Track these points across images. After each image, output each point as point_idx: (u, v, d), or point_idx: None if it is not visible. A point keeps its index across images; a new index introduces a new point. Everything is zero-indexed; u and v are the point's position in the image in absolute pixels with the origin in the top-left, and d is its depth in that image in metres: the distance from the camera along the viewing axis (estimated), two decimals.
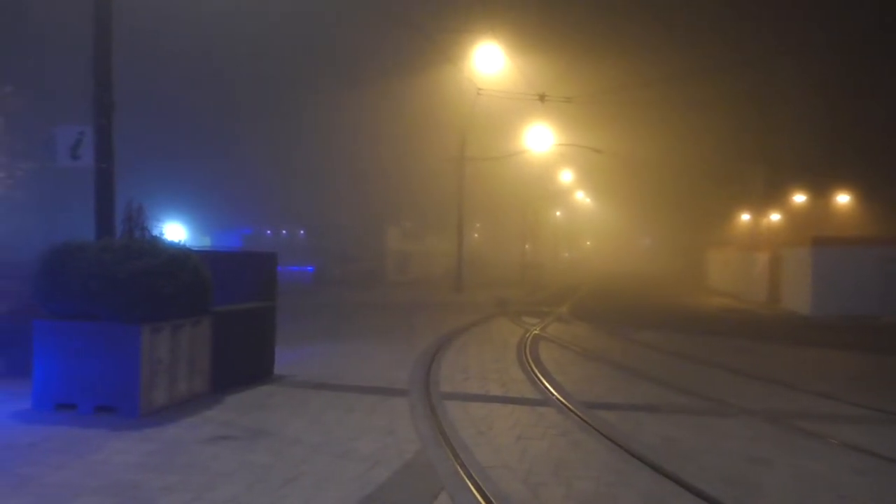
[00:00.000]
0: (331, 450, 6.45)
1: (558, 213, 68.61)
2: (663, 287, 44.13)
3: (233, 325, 9.07)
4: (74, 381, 7.55)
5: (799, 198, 42.13)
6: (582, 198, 77.52)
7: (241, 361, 9.26)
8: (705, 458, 6.57)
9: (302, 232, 54.19)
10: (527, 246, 46.12)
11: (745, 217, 48.04)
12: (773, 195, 43.46)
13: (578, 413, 8.14)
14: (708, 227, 53.17)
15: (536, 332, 16.48)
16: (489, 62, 28.19)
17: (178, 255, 8.03)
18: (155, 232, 8.55)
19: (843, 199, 40.65)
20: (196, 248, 8.93)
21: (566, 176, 58.85)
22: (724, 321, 22.56)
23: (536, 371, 10.98)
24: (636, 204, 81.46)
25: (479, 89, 27.46)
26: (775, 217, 44.41)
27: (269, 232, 55.85)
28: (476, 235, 59.02)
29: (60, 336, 7.68)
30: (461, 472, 5.87)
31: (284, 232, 56.61)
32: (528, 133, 38.94)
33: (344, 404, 8.32)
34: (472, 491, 5.46)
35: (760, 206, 45.12)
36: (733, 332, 18.84)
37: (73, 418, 7.26)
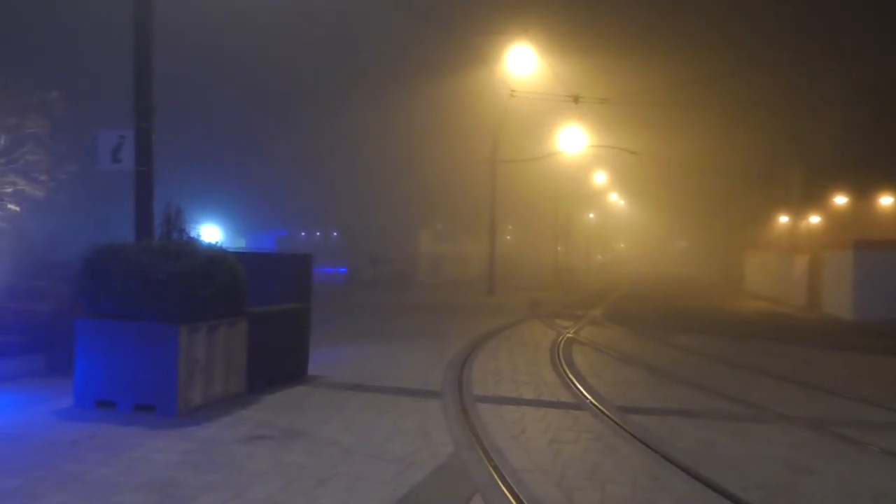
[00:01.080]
0: (365, 451, 6.48)
1: (591, 216, 68.12)
2: (699, 290, 43.51)
3: (268, 326, 9.17)
4: (115, 380, 7.70)
5: (840, 199, 41.19)
6: (616, 200, 76.85)
7: (276, 362, 9.36)
8: (744, 465, 6.45)
9: (335, 233, 54.64)
10: (559, 248, 45.86)
11: (784, 219, 47.12)
12: (812, 197, 42.60)
13: (613, 417, 8.06)
14: (745, 230, 52.26)
15: (570, 335, 16.37)
16: (522, 64, 28.08)
17: (215, 257, 8.14)
18: (192, 234, 8.71)
19: (886, 200, 39.63)
20: (232, 250, 9.06)
21: (600, 178, 58.37)
22: (762, 325, 22.16)
23: (570, 374, 10.90)
24: (671, 206, 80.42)
25: (513, 91, 27.39)
26: (815, 219, 43.49)
27: (303, 233, 56.41)
28: (508, 237, 58.88)
29: (102, 335, 7.85)
30: (494, 475, 5.85)
31: (318, 233, 57.14)
32: (562, 135, 38.70)
33: (378, 406, 8.36)
34: (505, 494, 5.43)
35: (799, 208, 44.23)
36: (772, 336, 18.48)
37: (113, 416, 7.41)
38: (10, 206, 14.18)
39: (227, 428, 7.12)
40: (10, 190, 14.09)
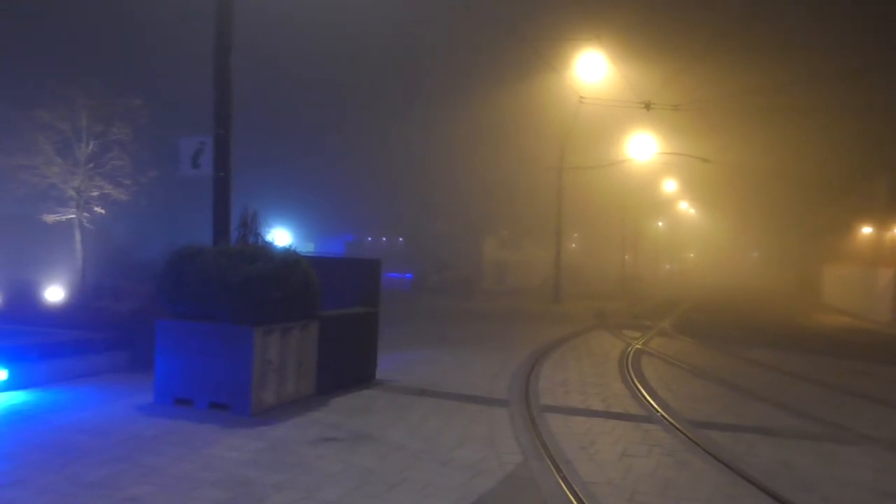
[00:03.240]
0: (433, 457, 6.49)
1: (660, 224, 66.65)
2: (774, 302, 41.94)
3: (338, 330, 9.31)
4: (192, 378, 7.96)
5: None
6: (686, 208, 74.96)
7: (345, 365, 9.49)
8: (828, 488, 6.16)
9: (401, 239, 55.12)
10: (627, 257, 45.02)
11: (867, 230, 44.98)
12: None
13: (686, 432, 7.83)
14: (823, 241, 50.13)
15: (638, 345, 16.03)
16: (592, 70, 27.76)
17: (288, 261, 8.32)
18: (267, 238, 8.93)
19: None
20: (304, 254, 9.24)
21: (670, 185, 57.08)
22: (842, 340, 21.17)
23: (640, 386, 10.67)
24: (744, 215, 77.87)
25: (582, 97, 27.10)
26: None
27: (370, 238, 57.13)
28: (574, 245, 58.18)
29: (180, 335, 8.12)
30: (564, 487, 5.77)
31: (384, 239, 57.77)
32: (631, 141, 38.05)
33: (444, 412, 8.37)
34: None
35: (884, 219, 42.14)
36: (854, 352, 17.63)
37: (190, 413, 7.65)
38: (96, 208, 14.89)
39: (297, 429, 7.25)
40: (96, 193, 14.79)
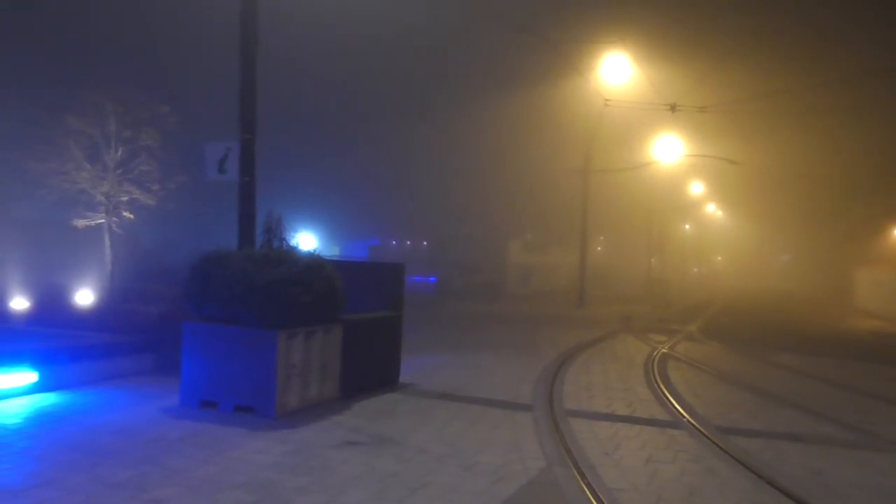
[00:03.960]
0: (456, 461, 6.47)
1: (687, 227, 65.94)
2: (804, 306, 41.26)
3: (362, 334, 9.34)
4: (217, 381, 8.03)
5: None
6: (713, 211, 74.09)
7: (369, 369, 9.52)
8: (857, 496, 6.04)
9: (425, 243, 55.18)
10: (653, 260, 44.59)
11: None
12: None
13: (712, 438, 7.72)
14: (855, 243, 49.18)
15: (664, 350, 15.85)
16: (617, 72, 27.56)
17: (313, 265, 8.37)
18: (291, 242, 8.99)
19: None
20: (329, 258, 9.28)
21: (697, 188, 56.46)
22: (876, 346, 20.75)
23: (666, 391, 10.54)
24: (773, 217, 76.63)
25: (607, 100, 26.92)
26: None
27: (394, 242, 57.28)
28: (599, 249, 57.76)
29: (206, 338, 8.20)
30: (588, 493, 5.71)
31: (408, 242, 57.86)
32: (657, 144, 37.70)
33: (468, 416, 8.34)
34: None
35: None
36: (888, 358, 17.27)
37: (215, 416, 7.71)
38: (125, 213, 15.11)
39: (321, 432, 7.28)
40: (125, 198, 15.01)
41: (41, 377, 8.50)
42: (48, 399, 8.23)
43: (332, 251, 42.05)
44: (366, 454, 6.57)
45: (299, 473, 5.91)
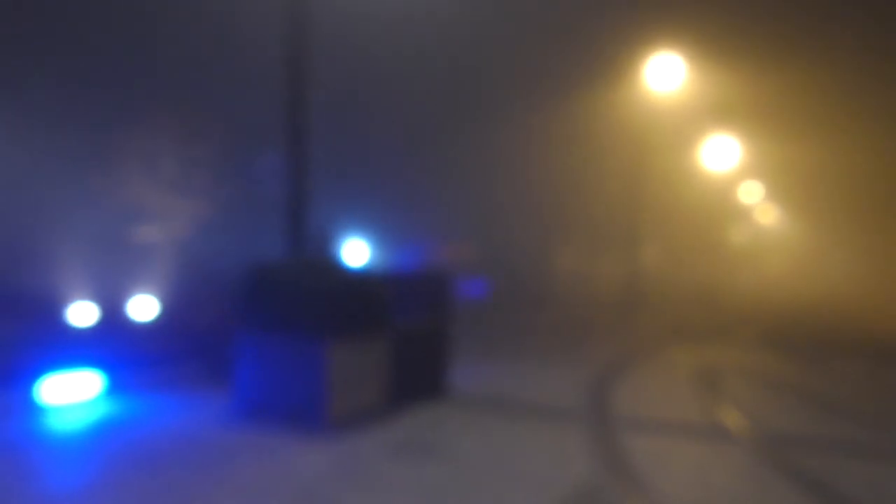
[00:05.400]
0: (505, 471, 6.44)
1: (744, 231, 64.37)
2: (873, 310, 39.76)
3: (410, 342, 9.37)
4: (267, 389, 8.17)
5: None
6: (771, 213, 72.20)
7: (417, 378, 9.54)
8: None
9: (475, 248, 55.13)
10: (707, 266, 43.65)
11: None
12: None
13: (768, 450, 7.50)
14: None
15: (718, 359, 15.48)
16: (669, 74, 27.18)
17: (362, 274, 8.46)
18: (340, 250, 9.11)
19: None
20: (377, 267, 9.36)
21: (754, 190, 55.14)
22: None
23: (720, 401, 10.29)
24: (839, 219, 74.12)
25: (658, 102, 26.52)
26: None
27: (442, 247, 57.40)
28: (651, 255, 56.85)
29: (256, 347, 8.36)
30: None
31: (457, 248, 57.89)
32: (711, 146, 36.98)
33: (517, 425, 8.29)
34: None
35: None
36: None
37: (264, 423, 7.85)
38: (180, 224, 15.55)
39: (369, 441, 7.33)
40: (180, 210, 15.45)
41: (103, 383, 8.82)
42: (109, 404, 8.51)
43: (382, 257, 42.37)
44: (414, 464, 6.59)
45: (348, 482, 5.96)
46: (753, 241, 72.37)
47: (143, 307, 14.57)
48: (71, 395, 8.47)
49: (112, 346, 10.27)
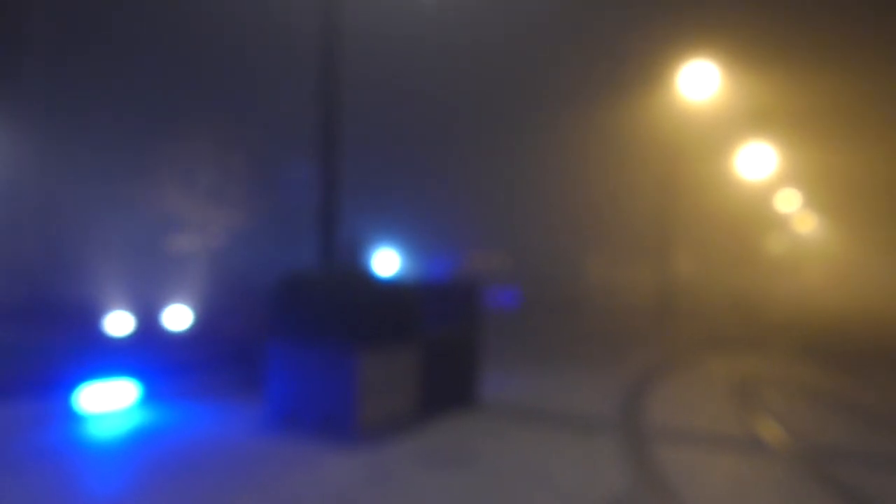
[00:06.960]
0: (536, 482, 6.37)
1: (780, 240, 63.14)
2: None
3: (440, 351, 9.36)
4: (300, 397, 8.23)
5: None
6: (811, 222, 70.73)
7: (448, 387, 9.52)
8: None
9: (506, 257, 55.00)
10: (741, 275, 42.90)
11: None
12: None
13: (809, 465, 7.31)
14: None
15: (755, 369, 15.16)
16: (703, 80, 26.88)
17: (392, 283, 8.48)
18: (372, 260, 9.15)
19: None
20: (408, 276, 9.38)
21: (792, 198, 54.11)
22: None
23: (756, 412, 10.07)
24: (877, 227, 72.28)
25: (692, 108, 26.24)
26: None
27: (474, 256, 57.35)
28: (684, 264, 56.08)
29: (289, 355, 8.43)
30: None
31: (490, 256, 57.79)
32: (746, 153, 36.42)
33: (547, 435, 8.21)
34: None
35: None
36: None
37: (297, 431, 7.90)
38: (215, 234, 15.79)
39: (400, 450, 7.32)
40: (215, 220, 15.69)
41: (139, 392, 8.97)
42: (145, 412, 8.64)
43: (412, 266, 42.51)
44: (444, 473, 6.56)
45: (377, 491, 5.95)
46: (791, 250, 70.91)
47: (178, 317, 14.80)
48: (108, 403, 8.63)
49: (148, 355, 10.45)
